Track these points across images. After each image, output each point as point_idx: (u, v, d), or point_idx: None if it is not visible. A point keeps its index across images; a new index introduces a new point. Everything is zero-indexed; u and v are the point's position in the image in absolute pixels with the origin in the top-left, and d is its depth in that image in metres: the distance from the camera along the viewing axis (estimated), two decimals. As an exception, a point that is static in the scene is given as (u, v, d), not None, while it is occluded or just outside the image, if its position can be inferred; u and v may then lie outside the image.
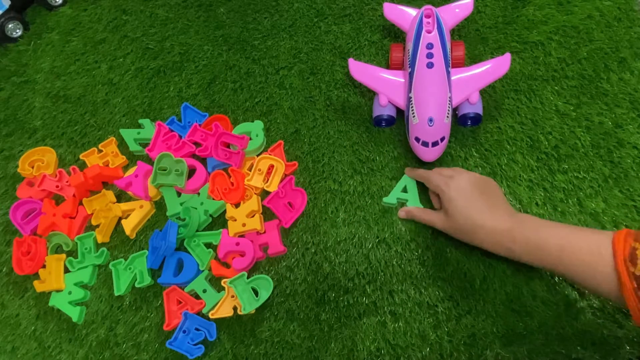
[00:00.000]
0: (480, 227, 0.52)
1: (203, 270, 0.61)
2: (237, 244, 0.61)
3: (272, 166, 0.65)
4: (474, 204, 0.53)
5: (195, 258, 0.61)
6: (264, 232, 0.62)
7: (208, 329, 0.58)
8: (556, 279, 0.56)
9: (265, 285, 0.59)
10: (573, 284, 0.56)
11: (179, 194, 0.66)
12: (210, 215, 0.64)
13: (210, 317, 0.58)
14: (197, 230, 0.63)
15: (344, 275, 0.60)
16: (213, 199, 0.65)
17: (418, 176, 0.62)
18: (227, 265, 0.61)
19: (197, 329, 0.58)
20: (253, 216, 0.62)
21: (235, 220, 0.62)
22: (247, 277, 0.59)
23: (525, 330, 0.54)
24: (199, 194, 0.65)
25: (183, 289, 0.60)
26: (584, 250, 0.45)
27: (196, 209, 0.64)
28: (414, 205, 0.62)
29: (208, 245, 0.63)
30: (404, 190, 0.62)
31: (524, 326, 0.55)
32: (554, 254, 0.47)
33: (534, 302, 0.55)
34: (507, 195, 0.61)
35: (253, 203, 0.63)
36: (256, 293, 0.59)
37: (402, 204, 0.62)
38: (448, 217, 0.55)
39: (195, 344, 0.57)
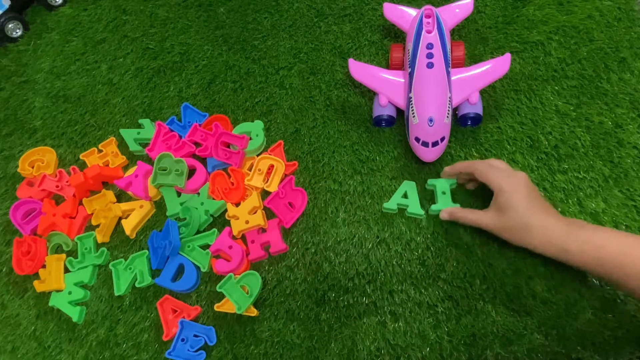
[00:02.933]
0: (536, 226, 0.51)
1: (199, 282, 0.61)
2: (230, 247, 0.60)
3: (272, 166, 0.65)
4: (533, 203, 0.52)
5: (193, 262, 0.61)
6: (267, 227, 0.62)
7: (207, 334, 0.58)
8: (556, 278, 0.56)
9: (254, 282, 0.59)
10: (626, 292, 0.54)
11: (178, 194, 0.66)
12: (211, 215, 0.64)
13: (216, 309, 0.58)
14: (198, 230, 0.63)
15: (344, 275, 0.60)
16: (213, 199, 0.65)
17: (464, 168, 0.58)
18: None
19: (195, 336, 0.57)
20: (255, 212, 0.62)
21: (238, 218, 0.62)
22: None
23: (525, 330, 0.54)
24: (199, 194, 0.65)
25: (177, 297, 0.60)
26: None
27: (197, 209, 0.64)
28: (415, 211, 0.61)
29: (205, 247, 0.62)
30: (405, 195, 0.62)
31: (524, 326, 0.55)
32: (612, 257, 0.46)
33: (534, 302, 0.55)
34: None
35: (254, 199, 0.63)
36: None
37: (402, 209, 0.62)
38: (502, 215, 0.53)
39: (195, 351, 0.57)
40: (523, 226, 0.52)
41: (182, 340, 0.57)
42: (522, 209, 0.51)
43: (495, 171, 0.55)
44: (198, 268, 0.61)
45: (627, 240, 0.47)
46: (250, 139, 0.67)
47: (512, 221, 0.52)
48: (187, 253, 0.62)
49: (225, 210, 0.64)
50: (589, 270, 0.49)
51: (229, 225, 0.63)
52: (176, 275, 0.61)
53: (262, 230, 0.63)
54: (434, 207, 0.60)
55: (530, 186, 0.53)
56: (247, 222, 0.62)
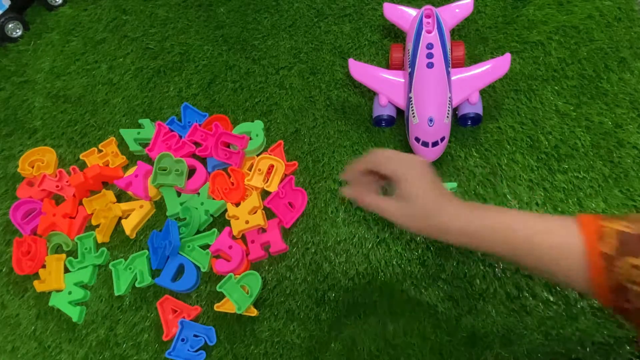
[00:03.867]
0: (444, 211, 0.47)
1: (198, 283, 0.61)
2: (230, 247, 0.60)
3: (272, 166, 0.65)
4: (435, 190, 0.48)
5: (193, 262, 0.61)
6: (267, 227, 0.62)
7: (207, 334, 0.58)
8: (556, 279, 0.56)
9: (254, 282, 0.59)
10: (539, 275, 0.52)
11: (178, 194, 0.66)
12: (212, 215, 0.64)
13: (216, 309, 0.58)
14: (198, 230, 0.63)
15: (344, 275, 0.60)
16: (213, 199, 0.65)
17: (366, 163, 0.53)
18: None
19: (195, 336, 0.57)
20: (255, 212, 0.62)
21: (238, 218, 0.62)
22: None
23: (525, 330, 0.54)
24: (199, 194, 0.65)
25: (177, 296, 0.60)
26: (552, 233, 0.42)
27: (197, 209, 0.64)
28: None
29: (205, 247, 0.62)
30: None
31: (524, 326, 0.55)
32: (522, 239, 0.44)
33: (534, 302, 0.55)
34: (507, 195, 0.61)
35: (254, 199, 0.63)
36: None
37: None
38: (405, 204, 0.48)
39: (195, 351, 0.57)
40: (428, 213, 0.48)
41: (182, 340, 0.57)
42: (427, 196, 0.48)
43: (392, 161, 0.50)
44: (198, 268, 0.61)
45: (527, 218, 0.44)
46: (250, 139, 0.67)
47: (417, 209, 0.48)
48: (187, 253, 0.62)
49: (225, 210, 0.64)
50: (497, 254, 0.46)
51: (229, 225, 0.63)
52: (176, 275, 0.61)
53: (262, 230, 0.63)
54: None
55: (431, 172, 0.49)
56: (247, 222, 0.62)
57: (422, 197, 0.48)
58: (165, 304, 0.60)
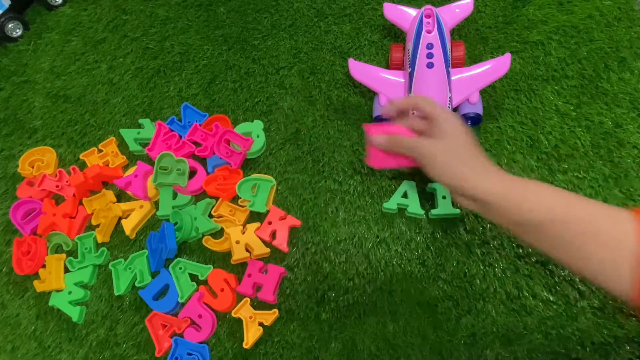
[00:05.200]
0: (475, 159, 0.45)
1: (182, 302, 0.60)
2: (200, 316, 0.58)
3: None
4: (472, 137, 0.47)
5: (177, 286, 0.60)
6: (269, 269, 0.60)
7: (200, 352, 0.57)
8: (556, 278, 0.56)
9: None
10: (569, 268, 0.46)
11: (174, 197, 0.66)
12: (202, 234, 0.64)
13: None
14: (186, 241, 0.63)
15: (344, 275, 0.60)
16: (210, 196, 0.64)
17: (407, 102, 0.53)
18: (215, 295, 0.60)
19: (189, 354, 0.57)
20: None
21: (238, 242, 0.61)
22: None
23: (525, 330, 0.54)
24: (195, 206, 0.65)
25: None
26: (601, 222, 0.38)
27: (190, 217, 0.63)
28: (415, 211, 0.60)
29: (193, 277, 0.61)
30: (404, 195, 0.62)
31: (524, 326, 0.55)
32: (549, 222, 0.40)
33: (534, 302, 0.55)
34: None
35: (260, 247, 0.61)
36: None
37: (402, 209, 0.62)
38: (440, 139, 0.47)
39: None
40: (459, 151, 0.45)
41: (176, 358, 0.57)
42: (463, 136, 0.46)
43: (433, 102, 0.50)
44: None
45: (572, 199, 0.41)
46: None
47: (450, 144, 0.46)
48: (177, 273, 0.61)
49: (216, 233, 0.63)
50: (520, 235, 0.43)
51: (206, 284, 0.61)
52: (160, 293, 0.61)
53: (265, 271, 0.60)
54: (434, 211, 0.60)
55: (467, 128, 0.48)
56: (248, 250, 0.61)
57: (457, 136, 0.46)
58: (154, 320, 0.59)
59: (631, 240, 0.36)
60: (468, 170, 0.45)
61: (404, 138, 0.50)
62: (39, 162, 0.71)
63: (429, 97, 0.52)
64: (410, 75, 0.62)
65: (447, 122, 0.47)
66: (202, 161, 0.68)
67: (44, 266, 0.65)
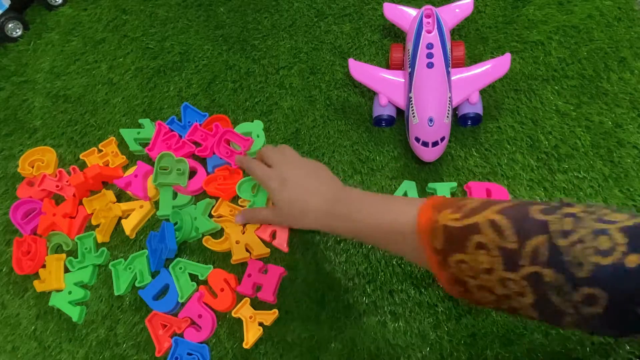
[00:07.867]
0: (306, 211, 0.54)
1: (182, 302, 0.60)
2: (200, 316, 0.58)
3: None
4: (298, 189, 0.54)
5: (177, 286, 0.60)
6: (269, 270, 0.60)
7: (200, 352, 0.57)
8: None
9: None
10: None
11: (174, 197, 0.66)
12: (202, 234, 0.63)
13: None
14: (186, 241, 0.63)
15: (344, 275, 0.60)
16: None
17: (245, 168, 0.62)
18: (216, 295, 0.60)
19: (189, 354, 0.57)
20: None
21: (239, 242, 0.61)
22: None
23: (525, 330, 0.54)
24: (195, 206, 0.65)
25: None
26: (393, 222, 0.46)
27: (189, 216, 0.63)
28: None
29: (193, 277, 0.61)
30: (404, 195, 0.62)
31: (524, 326, 0.55)
32: (366, 229, 0.49)
33: (534, 302, 0.55)
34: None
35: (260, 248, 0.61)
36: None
37: None
38: (276, 209, 0.57)
39: None
40: (297, 213, 0.54)
41: (176, 358, 0.56)
42: (290, 198, 0.54)
43: (259, 169, 0.58)
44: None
45: (379, 204, 0.49)
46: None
47: (285, 213, 0.56)
48: (177, 273, 0.61)
49: (216, 233, 0.63)
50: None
51: (206, 284, 0.60)
52: (160, 292, 0.61)
53: (265, 271, 0.60)
54: None
55: (298, 170, 0.56)
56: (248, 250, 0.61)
57: (286, 202, 0.55)
58: (154, 320, 0.59)
59: (413, 230, 0.43)
60: (295, 223, 0.57)
61: (253, 215, 0.61)
62: (39, 162, 0.71)
63: (255, 167, 0.59)
64: (410, 75, 0.62)
65: (274, 194, 0.56)
66: (202, 161, 0.68)
67: (44, 266, 0.65)
